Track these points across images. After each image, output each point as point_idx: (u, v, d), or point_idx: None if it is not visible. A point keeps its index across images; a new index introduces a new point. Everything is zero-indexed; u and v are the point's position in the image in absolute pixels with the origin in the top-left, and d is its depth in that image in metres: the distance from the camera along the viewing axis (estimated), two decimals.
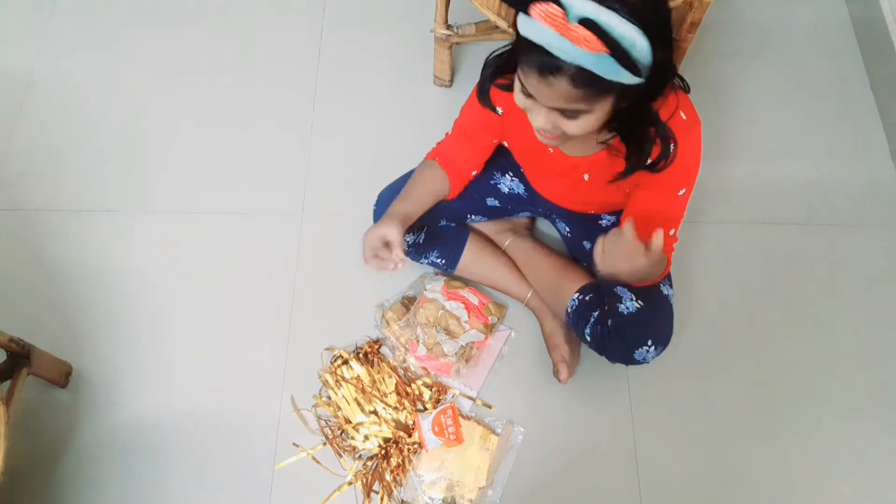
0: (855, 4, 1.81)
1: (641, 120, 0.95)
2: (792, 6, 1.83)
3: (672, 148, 0.98)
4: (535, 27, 0.81)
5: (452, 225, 1.38)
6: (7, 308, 1.41)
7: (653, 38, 0.80)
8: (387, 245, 1.15)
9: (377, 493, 1.26)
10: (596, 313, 1.24)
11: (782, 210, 1.56)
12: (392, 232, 1.14)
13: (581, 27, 0.77)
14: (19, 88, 1.66)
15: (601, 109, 0.89)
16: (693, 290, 1.45)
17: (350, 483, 1.27)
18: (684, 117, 1.00)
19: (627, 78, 0.82)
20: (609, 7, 0.78)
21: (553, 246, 1.45)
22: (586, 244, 1.33)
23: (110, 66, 1.70)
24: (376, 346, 1.38)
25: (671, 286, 1.24)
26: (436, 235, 1.35)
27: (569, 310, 1.29)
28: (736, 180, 1.57)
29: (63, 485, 1.27)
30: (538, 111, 0.93)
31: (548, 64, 0.83)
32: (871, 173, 1.62)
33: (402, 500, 1.25)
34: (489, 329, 1.38)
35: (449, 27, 1.49)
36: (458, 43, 1.54)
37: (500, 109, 1.13)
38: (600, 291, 1.26)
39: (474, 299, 1.39)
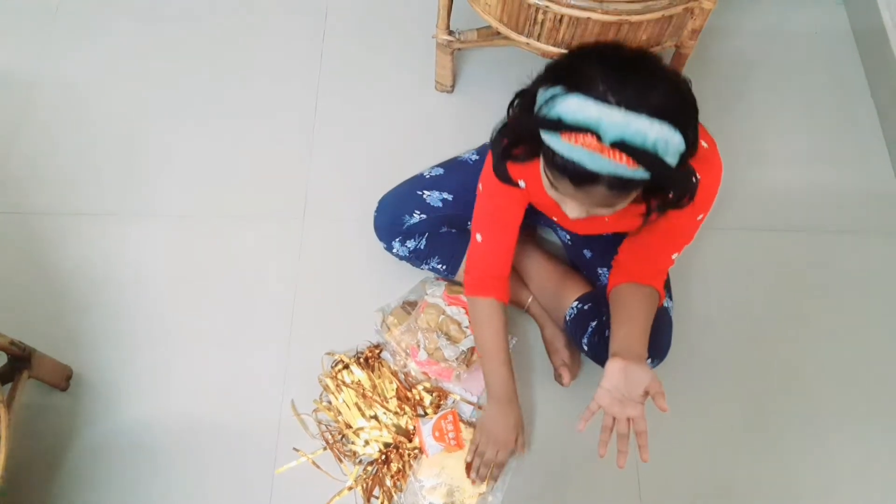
0: (855, 12, 1.82)
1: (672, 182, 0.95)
2: (792, 14, 1.84)
3: (695, 182, 0.97)
4: (564, 144, 0.79)
5: (453, 231, 1.39)
6: (8, 311, 1.41)
7: (684, 126, 0.79)
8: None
9: (377, 498, 1.26)
10: (594, 323, 1.24)
11: (782, 217, 1.57)
12: (518, 417, 1.19)
13: (617, 151, 0.76)
14: (21, 91, 1.66)
15: (636, 192, 0.87)
16: (693, 296, 1.46)
17: (350, 488, 1.27)
18: (705, 146, 0.98)
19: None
20: (637, 112, 0.76)
21: (553, 252, 1.45)
22: (587, 252, 1.33)
23: (112, 70, 1.70)
24: (377, 351, 1.38)
25: (671, 298, 1.24)
26: (436, 241, 1.35)
27: (567, 318, 1.29)
28: (736, 187, 1.58)
29: (63, 488, 1.27)
30: (572, 205, 0.91)
31: (583, 176, 0.80)
32: (872, 180, 1.62)
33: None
34: None
35: (451, 33, 1.50)
36: (459, 49, 1.55)
37: (522, 183, 1.08)
38: (599, 301, 1.26)
39: None
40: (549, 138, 0.80)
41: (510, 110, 0.96)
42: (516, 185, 1.08)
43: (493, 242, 1.18)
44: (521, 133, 0.91)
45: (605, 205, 0.87)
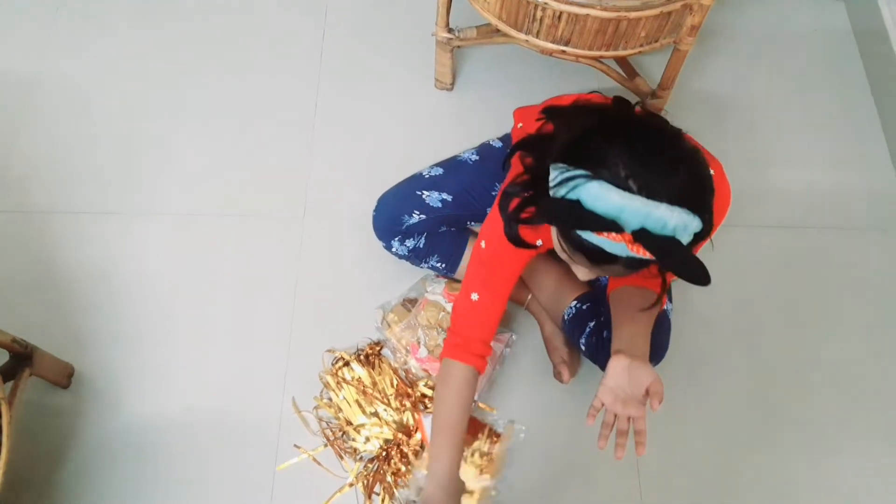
0: (855, 10, 1.82)
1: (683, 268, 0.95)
2: (792, 12, 1.84)
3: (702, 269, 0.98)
4: (590, 234, 0.79)
5: (452, 230, 1.39)
6: (10, 309, 1.41)
7: (701, 210, 0.79)
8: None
9: (378, 494, 1.26)
10: (592, 323, 1.24)
11: (782, 215, 1.57)
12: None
13: (640, 247, 0.77)
14: (23, 91, 1.66)
15: None
16: (693, 294, 1.46)
17: (351, 484, 1.27)
18: (711, 172, 0.98)
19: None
20: (659, 200, 0.76)
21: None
22: None
23: (113, 69, 1.70)
24: (377, 348, 1.38)
25: (671, 300, 1.24)
26: (436, 240, 1.35)
27: (565, 317, 1.29)
28: (735, 185, 1.56)
29: (65, 485, 1.27)
30: (582, 270, 0.92)
31: (602, 257, 0.81)
32: (872, 178, 1.62)
33: (408, 501, 1.24)
34: None
35: (450, 30, 1.50)
36: (459, 46, 1.55)
37: (539, 242, 1.07)
38: (598, 301, 1.26)
39: None
40: (572, 226, 0.81)
41: (507, 162, 0.97)
42: (533, 246, 1.04)
43: (490, 303, 1.11)
44: (538, 208, 0.89)
45: (617, 276, 0.88)
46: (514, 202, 0.92)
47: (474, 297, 1.11)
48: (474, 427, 1.30)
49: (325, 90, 1.69)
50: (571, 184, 0.79)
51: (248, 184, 1.57)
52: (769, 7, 1.84)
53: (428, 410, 1.31)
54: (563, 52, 1.32)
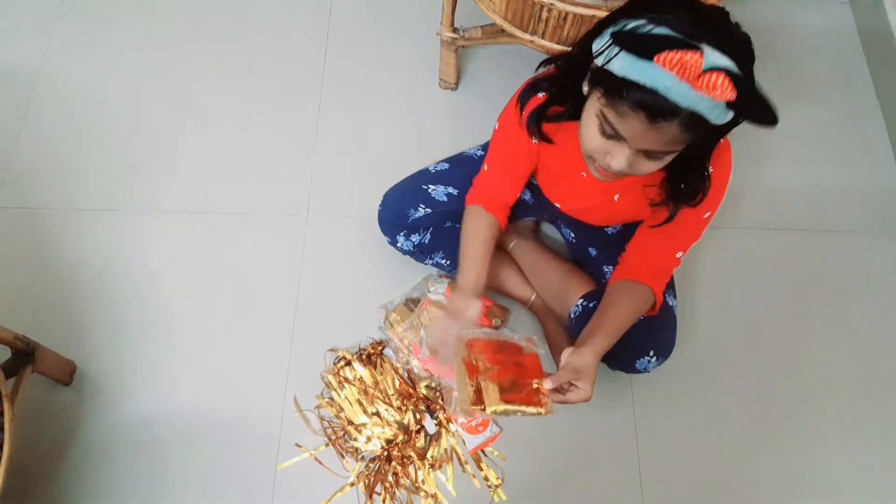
0: (861, 11, 1.81)
1: (705, 155, 0.93)
2: (797, 12, 1.83)
3: (709, 179, 0.96)
4: (651, 71, 0.76)
5: (458, 226, 1.38)
6: (12, 305, 1.41)
7: (750, 84, 0.78)
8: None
9: (379, 494, 1.26)
10: None
11: (786, 216, 1.56)
12: (476, 308, 1.12)
13: (713, 74, 0.74)
14: (26, 87, 1.66)
15: (695, 138, 0.84)
16: (697, 294, 1.46)
17: (352, 484, 1.27)
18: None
19: (729, 119, 0.80)
20: (722, 51, 0.75)
21: (557, 250, 1.45)
22: (591, 251, 1.33)
23: (116, 67, 1.70)
24: (379, 348, 1.38)
25: (675, 296, 1.24)
26: (441, 236, 1.35)
27: (571, 315, 1.29)
28: (740, 186, 1.58)
29: (67, 482, 1.27)
30: (620, 154, 0.87)
31: (663, 109, 0.77)
32: (876, 180, 1.62)
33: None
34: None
35: (455, 30, 1.49)
36: (463, 46, 1.55)
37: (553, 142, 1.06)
38: None
39: None
40: (632, 65, 0.77)
41: (542, 66, 0.96)
42: (549, 140, 1.04)
43: (501, 175, 1.19)
44: (575, 78, 0.89)
45: (664, 148, 0.84)
46: (539, 100, 0.94)
47: (486, 168, 1.20)
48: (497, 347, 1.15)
49: (328, 89, 1.68)
50: (633, 29, 0.77)
51: (250, 181, 1.57)
52: (775, 7, 1.83)
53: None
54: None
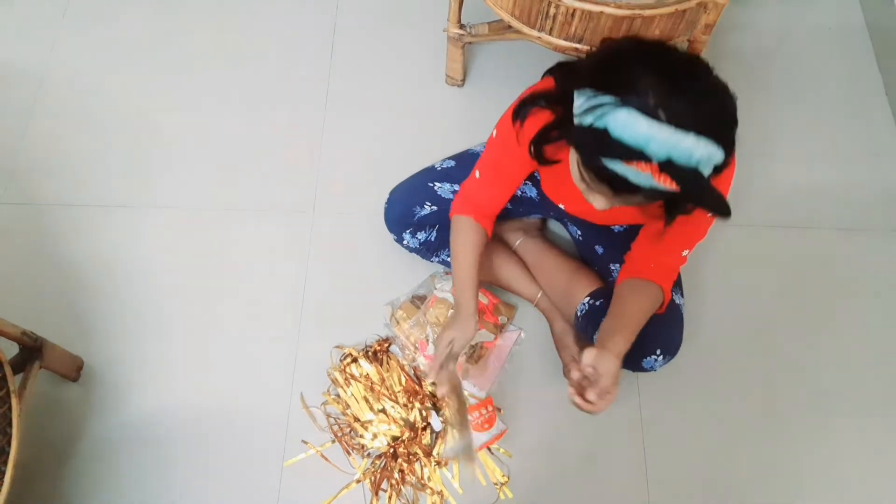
0: (870, 8, 1.80)
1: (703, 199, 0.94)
2: (806, 9, 1.82)
3: (719, 196, 0.97)
4: (613, 164, 0.78)
5: None
6: (19, 302, 1.41)
7: (725, 141, 0.78)
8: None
9: (385, 491, 1.26)
10: None
11: (793, 213, 1.56)
12: (474, 329, 1.17)
13: (664, 175, 0.76)
14: (32, 85, 1.66)
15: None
16: (704, 292, 1.45)
17: (358, 481, 1.27)
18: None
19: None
20: (686, 130, 0.75)
21: (564, 247, 1.44)
22: (598, 248, 1.33)
23: (122, 63, 1.70)
24: (386, 345, 1.38)
25: (682, 295, 1.24)
26: (447, 234, 1.34)
27: (578, 313, 1.29)
28: (747, 183, 1.57)
29: (73, 477, 1.27)
30: (600, 199, 0.90)
31: (626, 187, 0.80)
32: (884, 177, 1.61)
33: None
34: (499, 329, 1.38)
35: (462, 27, 1.49)
36: (470, 42, 1.54)
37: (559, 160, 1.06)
38: (610, 297, 1.26)
39: (484, 299, 1.39)
40: (598, 154, 0.79)
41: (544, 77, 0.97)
42: (552, 163, 1.04)
43: (492, 184, 1.18)
44: (563, 131, 0.91)
45: (635, 206, 0.88)
46: (536, 118, 0.95)
47: (477, 174, 1.19)
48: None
49: (335, 85, 1.68)
50: (599, 111, 0.78)
51: (257, 178, 1.57)
52: (784, 4, 1.82)
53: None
54: (577, 49, 1.31)
